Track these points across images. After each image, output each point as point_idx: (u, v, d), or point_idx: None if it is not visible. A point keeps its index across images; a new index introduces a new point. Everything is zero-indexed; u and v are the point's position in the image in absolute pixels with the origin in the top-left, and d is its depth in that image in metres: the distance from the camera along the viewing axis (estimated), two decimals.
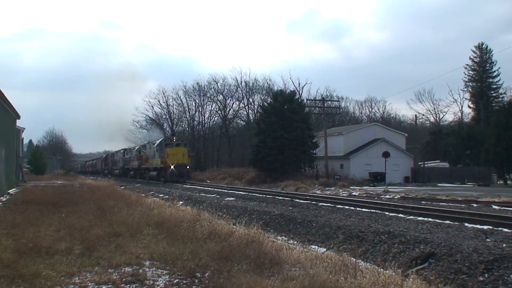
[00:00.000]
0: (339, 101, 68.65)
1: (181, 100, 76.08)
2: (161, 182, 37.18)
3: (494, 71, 67.64)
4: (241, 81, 73.28)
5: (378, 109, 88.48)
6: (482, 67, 67.97)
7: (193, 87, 74.59)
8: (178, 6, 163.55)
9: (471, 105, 70.11)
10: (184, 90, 75.09)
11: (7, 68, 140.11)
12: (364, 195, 24.97)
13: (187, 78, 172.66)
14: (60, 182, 32.74)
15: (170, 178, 36.84)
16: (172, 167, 36.84)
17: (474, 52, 69.06)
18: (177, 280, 6.08)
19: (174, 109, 77.33)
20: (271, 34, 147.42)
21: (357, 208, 14.51)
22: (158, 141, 41.96)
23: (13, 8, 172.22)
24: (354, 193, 26.75)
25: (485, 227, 9.79)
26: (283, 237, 11.46)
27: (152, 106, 76.94)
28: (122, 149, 62.24)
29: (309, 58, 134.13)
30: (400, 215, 12.59)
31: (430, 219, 11.37)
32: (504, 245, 7.83)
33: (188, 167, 38.65)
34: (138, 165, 48.21)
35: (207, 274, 6.28)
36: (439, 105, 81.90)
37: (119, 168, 59.30)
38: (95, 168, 79.92)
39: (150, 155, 43.76)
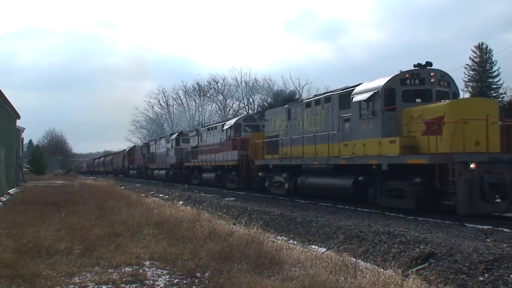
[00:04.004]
0: None
1: (181, 100, 76.23)
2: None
3: (494, 71, 67.64)
4: (241, 81, 73.33)
5: None
6: (482, 67, 67.96)
7: (193, 87, 74.73)
8: (174, 6, 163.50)
9: None
10: (184, 90, 75.22)
11: (4, 68, 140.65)
12: None
13: (185, 78, 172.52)
14: (60, 182, 32.80)
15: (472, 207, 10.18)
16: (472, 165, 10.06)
17: (474, 52, 69.03)
18: (177, 280, 6.09)
19: (174, 109, 77.37)
20: (268, 34, 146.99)
21: (357, 208, 14.50)
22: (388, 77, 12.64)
23: (8, 7, 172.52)
24: None
25: (485, 227, 9.77)
26: (283, 237, 11.44)
27: (152, 106, 76.97)
28: (173, 133, 38.32)
29: (307, 57, 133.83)
30: (400, 215, 12.57)
31: (430, 219, 11.35)
32: (504, 245, 7.82)
33: None
34: (238, 160, 22.57)
35: (207, 274, 6.28)
36: None
37: (168, 167, 35.23)
38: (110, 167, 62.38)
39: (307, 134, 16.36)
